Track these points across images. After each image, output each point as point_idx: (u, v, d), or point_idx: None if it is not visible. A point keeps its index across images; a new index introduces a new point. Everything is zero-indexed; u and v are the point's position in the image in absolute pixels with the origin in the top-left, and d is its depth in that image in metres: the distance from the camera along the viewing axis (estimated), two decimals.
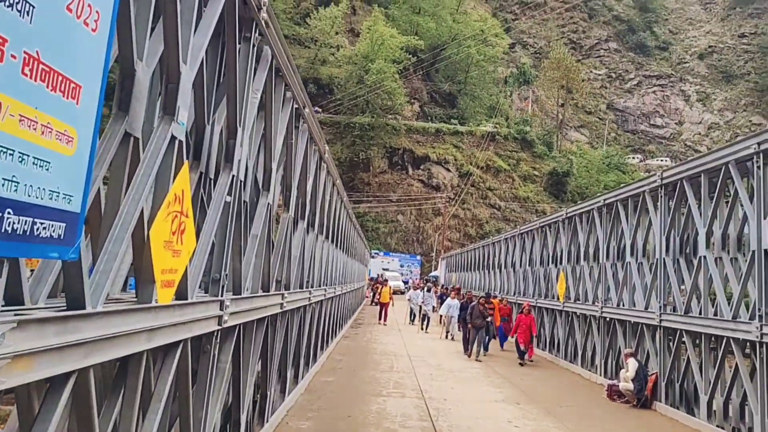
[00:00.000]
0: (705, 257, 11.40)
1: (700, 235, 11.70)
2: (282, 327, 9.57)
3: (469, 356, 18.55)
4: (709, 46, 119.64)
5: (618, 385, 13.46)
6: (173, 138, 4.37)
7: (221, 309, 5.60)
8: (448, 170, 73.93)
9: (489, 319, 19.41)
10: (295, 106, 9.11)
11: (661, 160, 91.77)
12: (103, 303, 3.41)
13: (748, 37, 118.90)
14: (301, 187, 10.43)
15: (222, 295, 5.67)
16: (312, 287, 12.34)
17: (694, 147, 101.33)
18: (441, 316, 25.25)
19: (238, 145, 5.94)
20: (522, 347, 18.01)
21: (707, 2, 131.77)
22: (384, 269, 56.72)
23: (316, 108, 51.16)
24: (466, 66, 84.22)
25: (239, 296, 6.44)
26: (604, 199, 16.73)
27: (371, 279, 49.12)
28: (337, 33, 80.00)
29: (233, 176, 5.91)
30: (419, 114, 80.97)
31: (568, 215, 19.59)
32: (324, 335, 16.24)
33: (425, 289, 29.39)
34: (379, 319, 29.24)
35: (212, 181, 7.74)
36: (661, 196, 13.40)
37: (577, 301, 18.09)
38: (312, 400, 11.07)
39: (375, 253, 60.63)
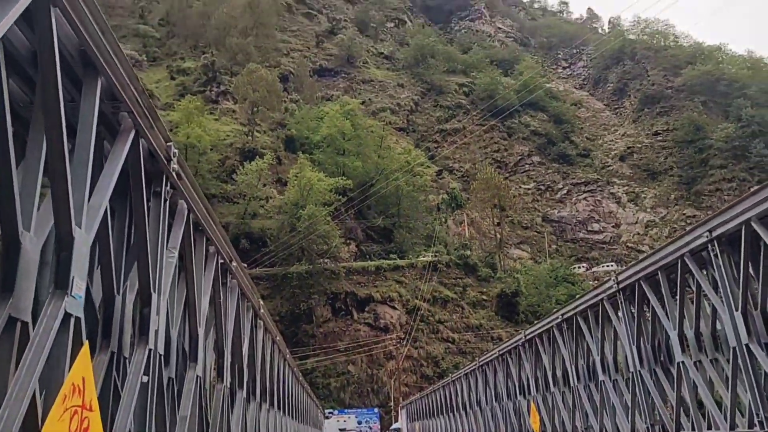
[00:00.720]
0: (683, 363, 10.72)
1: (672, 339, 11.10)
2: None
3: None
4: (628, 148, 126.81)
5: None
6: (68, 315, 3.88)
7: None
8: (395, 308, 72.65)
9: None
10: (221, 260, 8.64)
11: (607, 266, 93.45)
12: None
13: (662, 134, 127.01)
14: (236, 351, 9.81)
15: None
16: None
17: (636, 248, 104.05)
18: None
19: (154, 314, 5.50)
20: None
21: (616, 107, 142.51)
22: (340, 429, 53.82)
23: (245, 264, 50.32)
24: (397, 199, 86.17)
25: None
26: (562, 314, 15.94)
27: None
28: (264, 185, 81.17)
29: (150, 350, 5.45)
30: (357, 254, 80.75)
31: (527, 337, 18.61)
32: None
33: None
34: None
35: (127, 361, 7.07)
36: (621, 302, 12.84)
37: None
38: None
39: (329, 413, 56.94)
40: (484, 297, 78.59)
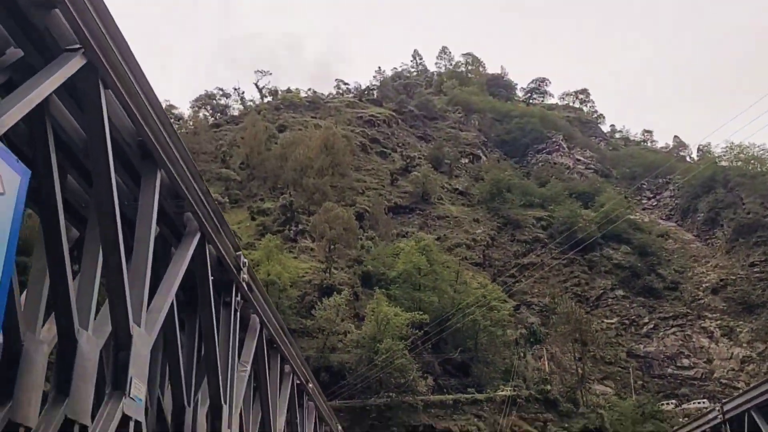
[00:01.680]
0: None
1: None
2: None
3: None
4: (721, 280, 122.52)
5: None
6: (126, 418, 3.41)
7: None
8: None
9: None
10: (297, 381, 7.94)
11: (699, 403, 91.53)
12: None
13: (759, 265, 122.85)
14: None
15: None
16: None
17: (731, 384, 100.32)
18: None
19: (225, 427, 4.98)
20: None
21: (707, 238, 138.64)
22: None
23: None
24: (474, 333, 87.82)
25: None
26: None
27: None
28: (342, 320, 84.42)
29: None
30: (434, 388, 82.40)
31: None
32: None
33: None
34: None
35: None
36: None
37: None
38: None
39: None
40: None
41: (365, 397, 73.86)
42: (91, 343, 3.42)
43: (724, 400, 13.65)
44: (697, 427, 14.30)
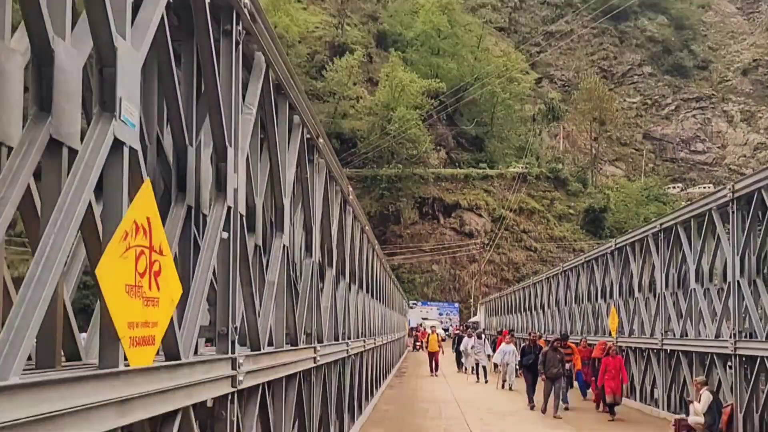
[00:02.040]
0: None
1: None
2: (318, 382, 9.34)
3: (543, 412, 16.53)
4: (754, 60, 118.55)
5: (686, 420, 13.38)
6: (118, 143, 3.42)
7: (234, 368, 5.02)
8: (480, 216, 75.99)
9: (568, 366, 17.65)
10: (307, 135, 8.38)
11: (704, 188, 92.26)
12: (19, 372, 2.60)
13: None
14: (324, 231, 9.93)
15: (233, 352, 5.08)
16: (350, 339, 12.35)
17: (739, 170, 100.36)
18: (496, 365, 24.68)
19: (231, 171, 5.14)
20: (611, 398, 15.96)
21: (750, 12, 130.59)
22: (423, 319, 60.43)
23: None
24: (491, 106, 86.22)
25: (258, 352, 5.93)
26: (661, 224, 16.93)
27: (411, 329, 53.28)
28: (354, 84, 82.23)
29: (229, 208, 5.10)
30: (446, 161, 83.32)
31: (618, 246, 20.22)
32: (368, 386, 16.56)
33: (475, 335, 28.20)
34: (431, 370, 29.31)
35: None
36: (733, 212, 13.03)
37: (632, 335, 18.60)
38: None
39: (413, 304, 63.70)
40: (571, 211, 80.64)
41: (376, 166, 74.15)
42: (70, 55, 3.27)
43: (735, 180, 13.64)
44: (705, 205, 14.23)
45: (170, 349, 4.11)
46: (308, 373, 8.52)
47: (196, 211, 5.07)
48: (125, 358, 3.37)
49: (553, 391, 16.51)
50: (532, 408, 17.49)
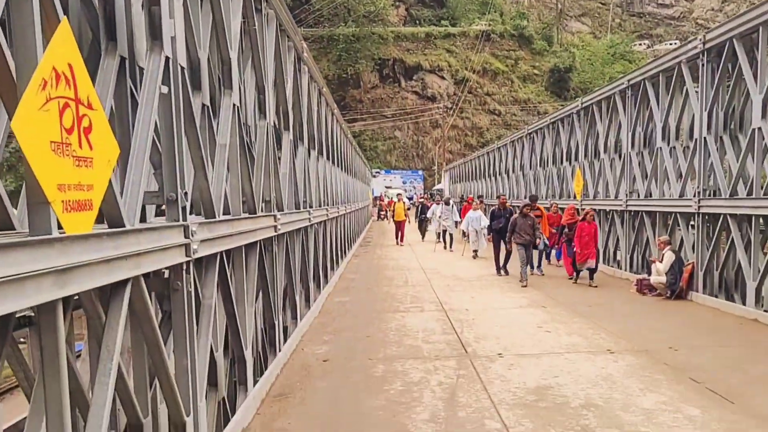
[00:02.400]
0: (760, 129, 10.96)
1: (755, 103, 11.09)
2: (281, 251, 9.14)
3: (523, 284, 15.40)
4: None
5: (648, 279, 13.84)
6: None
7: (186, 236, 4.75)
8: (443, 78, 74.86)
9: (538, 231, 16.51)
10: None
11: (671, 44, 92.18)
12: None
13: None
14: (279, 91, 9.52)
15: (185, 219, 4.79)
16: (311, 207, 12.17)
17: (706, 25, 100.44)
18: (463, 232, 24.14)
19: (166, 16, 4.76)
20: (591, 263, 15.45)
21: None
22: (387, 187, 60.66)
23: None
24: None
25: (213, 220, 5.60)
26: (629, 80, 16.49)
27: (375, 198, 53.55)
28: None
29: (167, 58, 4.67)
30: (406, 18, 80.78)
31: (584, 105, 19.83)
32: (333, 256, 16.57)
33: (443, 202, 27.23)
34: (396, 240, 29.00)
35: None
36: (703, 65, 12.74)
37: (597, 197, 18.60)
38: (327, 323, 11.26)
39: (376, 173, 63.63)
40: (536, 71, 79.82)
41: (332, 25, 71.85)
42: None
43: (706, 30, 13.22)
44: (674, 58, 13.87)
45: (112, 215, 3.83)
46: (269, 242, 8.33)
47: (131, 63, 4.69)
48: (60, 226, 3.10)
49: (526, 258, 15.84)
50: (499, 274, 17.26)
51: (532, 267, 17.06)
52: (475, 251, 22.33)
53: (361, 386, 7.37)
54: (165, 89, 4.68)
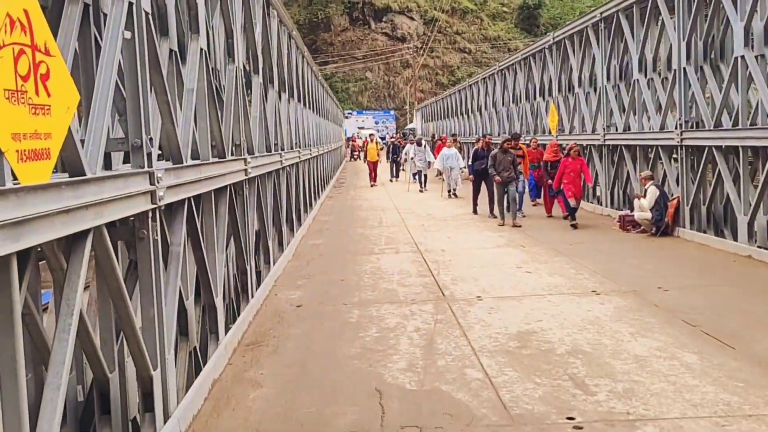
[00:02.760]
0: (743, 57, 10.57)
1: (736, 31, 10.72)
2: (252, 195, 8.92)
3: (502, 224, 14.76)
4: None
5: (632, 215, 13.30)
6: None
7: (152, 183, 4.51)
8: (412, 19, 73.51)
9: (520, 168, 15.69)
10: None
11: None
12: None
13: None
14: (248, 35, 9.31)
15: (150, 166, 4.53)
16: (283, 150, 11.84)
17: None
18: (438, 170, 23.86)
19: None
20: (573, 202, 14.36)
21: None
22: (359, 128, 60.13)
23: None
24: None
25: (180, 165, 5.38)
26: (601, 13, 16.04)
27: (347, 139, 53.09)
28: None
29: (130, 4, 4.45)
30: None
31: (556, 39, 19.41)
32: (306, 198, 16.35)
33: (416, 142, 26.15)
34: (370, 180, 28.38)
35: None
36: None
37: (573, 132, 18.22)
38: (300, 266, 10.91)
39: (348, 114, 62.94)
40: (505, 9, 78.41)
41: None
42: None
43: None
44: None
45: (73, 164, 3.59)
46: (240, 186, 8.07)
47: (95, 10, 4.58)
48: (14, 176, 2.91)
49: (507, 197, 14.90)
50: (476, 213, 16.74)
51: (519, 208, 15.84)
52: (452, 191, 21.59)
53: (335, 333, 7.08)
54: (128, 35, 4.46)
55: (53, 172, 3.30)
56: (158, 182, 4.61)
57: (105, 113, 4.06)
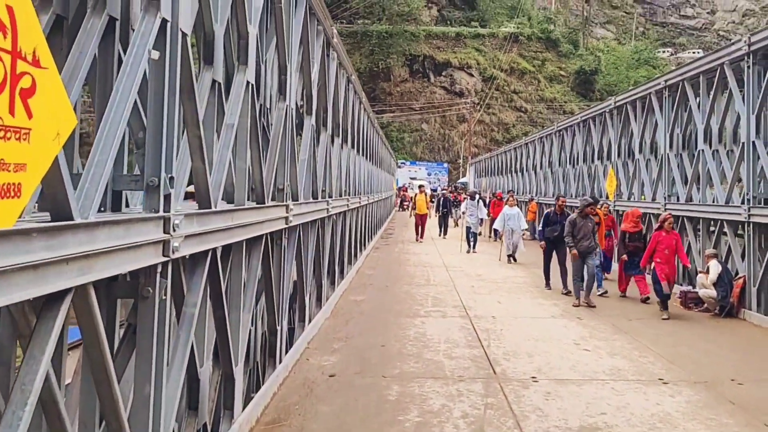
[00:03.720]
0: None
1: None
2: (292, 245, 7.84)
3: (577, 303, 12.17)
4: None
5: (695, 292, 11.94)
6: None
7: (167, 230, 3.63)
8: (471, 75, 73.28)
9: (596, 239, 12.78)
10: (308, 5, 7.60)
11: (694, 53, 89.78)
12: None
13: None
14: (304, 75, 8.75)
15: (167, 210, 3.67)
16: (331, 197, 10.86)
17: (728, 36, 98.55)
18: (495, 231, 21.43)
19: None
20: (665, 286, 11.26)
21: None
22: (411, 178, 59.27)
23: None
24: None
25: (206, 210, 4.44)
26: (666, 80, 15.23)
27: (399, 188, 52.26)
28: None
29: (163, 20, 3.69)
30: (438, 19, 79.25)
31: (617, 104, 18.44)
32: (351, 250, 15.19)
33: (468, 197, 23.51)
34: (417, 235, 25.56)
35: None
36: (749, 67, 11.44)
37: (632, 199, 17.06)
38: (338, 326, 9.86)
39: (401, 163, 62.05)
40: (562, 72, 77.90)
41: (367, 22, 70.67)
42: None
43: (752, 32, 11.92)
44: (716, 59, 12.52)
45: (59, 205, 2.78)
46: (278, 236, 7.10)
47: (125, 26, 4.07)
48: None
49: (586, 271, 12.29)
50: (548, 288, 13.91)
51: (599, 284, 13.32)
52: (511, 255, 18.74)
53: (370, 414, 5.99)
54: (155, 55, 3.71)
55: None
56: (174, 230, 3.73)
57: (113, 144, 3.27)
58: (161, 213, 3.62)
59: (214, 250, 4.69)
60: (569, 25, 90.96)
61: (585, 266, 12.38)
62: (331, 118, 11.03)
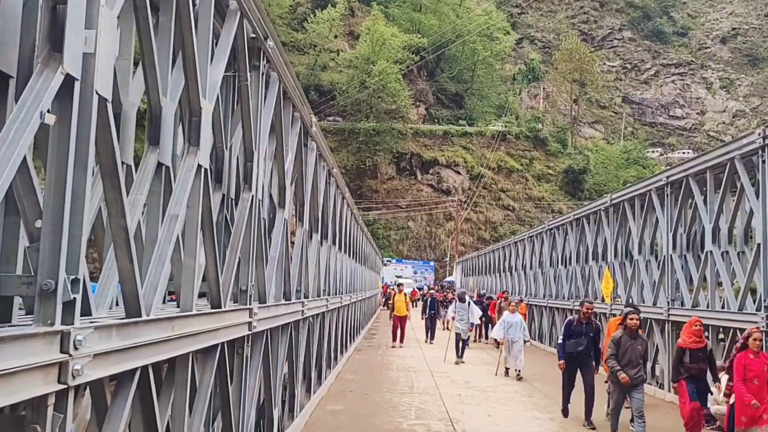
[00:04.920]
0: None
1: None
2: (257, 354, 7.23)
3: None
4: (733, 29, 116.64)
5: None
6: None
7: (65, 350, 3.28)
8: (458, 173, 74.22)
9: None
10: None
11: (683, 152, 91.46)
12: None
13: None
14: (278, 164, 8.72)
15: (67, 322, 3.40)
16: (307, 298, 10.35)
17: (718, 137, 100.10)
18: (494, 340, 19.91)
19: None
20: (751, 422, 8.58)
21: None
22: (397, 276, 58.46)
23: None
24: (471, 64, 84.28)
25: (129, 320, 4.10)
26: (668, 177, 14.67)
27: (384, 285, 51.43)
28: (336, 36, 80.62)
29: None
30: (425, 117, 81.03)
31: (614, 202, 17.85)
32: (331, 353, 14.79)
33: (456, 298, 21.32)
34: (394, 339, 23.15)
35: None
36: (763, 161, 10.85)
37: (630, 302, 15.42)
38: None
39: (387, 261, 61.76)
40: (550, 171, 79.04)
41: (354, 119, 71.99)
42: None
43: (765, 125, 11.20)
44: (725, 154, 11.93)
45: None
46: (240, 343, 6.41)
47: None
48: None
49: (633, 404, 9.79)
50: (565, 414, 11.26)
51: (641, 418, 9.73)
52: (516, 370, 16.41)
53: None
54: (53, 119, 3.16)
55: None
56: (76, 347, 3.08)
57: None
58: (58, 326, 2.93)
59: (146, 368, 3.97)
60: (557, 125, 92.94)
61: (632, 398, 9.79)
62: (308, 212, 10.55)
